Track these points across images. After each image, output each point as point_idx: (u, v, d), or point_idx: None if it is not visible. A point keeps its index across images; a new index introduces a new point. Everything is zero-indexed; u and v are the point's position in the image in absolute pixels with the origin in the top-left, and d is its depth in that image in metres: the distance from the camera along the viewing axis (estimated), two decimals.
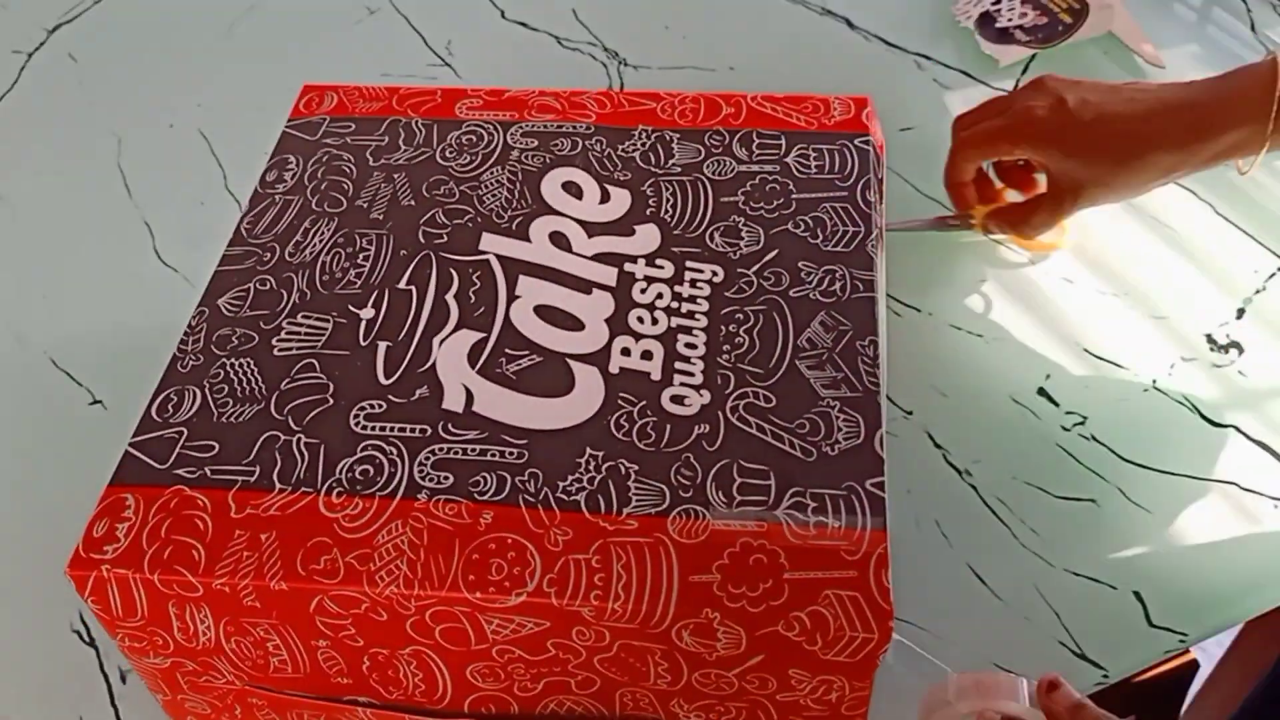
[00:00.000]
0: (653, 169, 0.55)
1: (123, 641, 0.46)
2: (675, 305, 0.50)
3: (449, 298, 0.50)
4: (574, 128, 0.58)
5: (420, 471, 0.45)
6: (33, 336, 0.69)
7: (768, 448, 0.45)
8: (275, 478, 0.45)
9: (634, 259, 0.52)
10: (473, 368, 0.48)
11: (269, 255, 0.53)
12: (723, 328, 0.49)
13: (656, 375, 0.48)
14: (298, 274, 0.52)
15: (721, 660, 0.42)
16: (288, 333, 0.50)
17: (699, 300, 0.50)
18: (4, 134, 0.82)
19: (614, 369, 0.48)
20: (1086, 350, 0.64)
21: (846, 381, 0.47)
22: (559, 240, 0.53)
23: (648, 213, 0.54)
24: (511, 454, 0.45)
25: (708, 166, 0.55)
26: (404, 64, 0.83)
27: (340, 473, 0.45)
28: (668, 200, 0.54)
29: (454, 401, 0.47)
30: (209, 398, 0.48)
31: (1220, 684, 0.92)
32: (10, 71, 0.86)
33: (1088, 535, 0.57)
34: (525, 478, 0.44)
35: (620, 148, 0.56)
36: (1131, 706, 0.68)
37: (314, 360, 0.49)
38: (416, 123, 0.58)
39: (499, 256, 0.52)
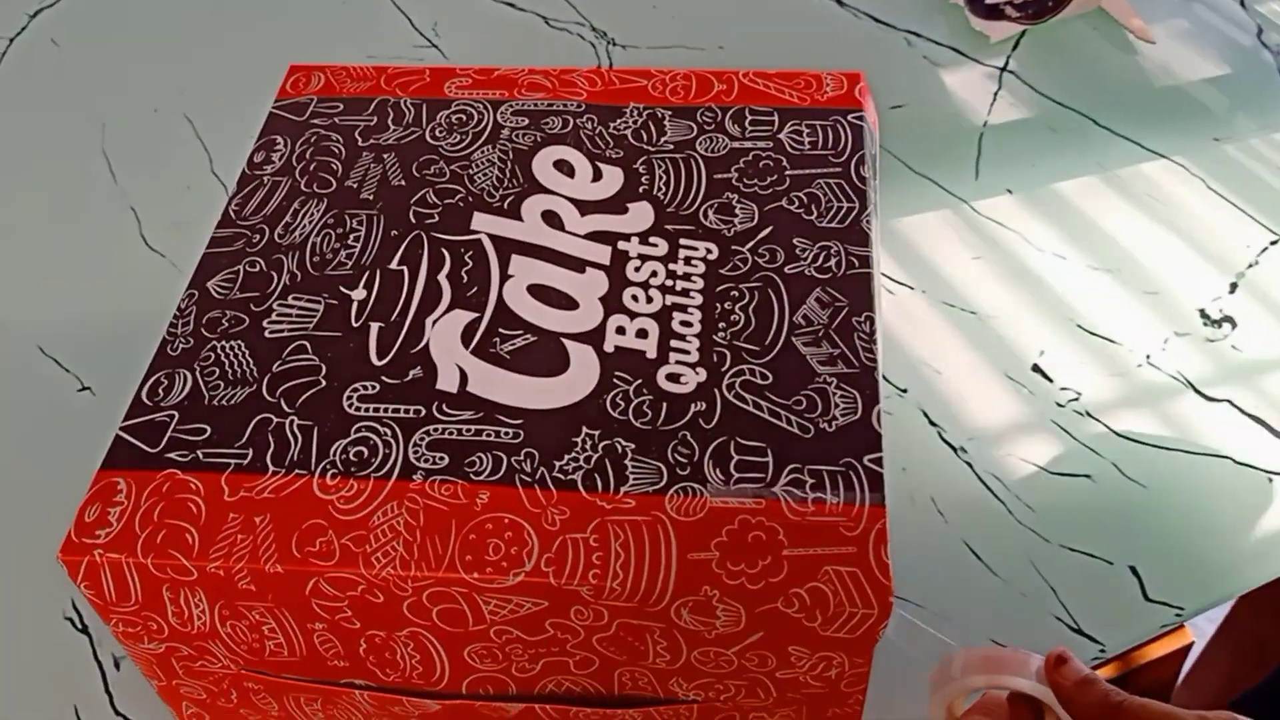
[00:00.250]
0: (645, 146, 0.55)
1: (116, 627, 0.45)
2: (669, 283, 0.50)
3: (441, 278, 0.50)
4: (565, 106, 0.57)
5: (415, 452, 0.44)
6: (19, 324, 0.68)
7: (765, 425, 0.45)
8: (268, 460, 0.44)
9: (627, 237, 0.51)
10: (466, 348, 0.48)
11: (258, 237, 0.52)
12: (718, 305, 0.49)
13: (652, 353, 0.47)
14: (288, 255, 0.51)
15: (721, 638, 0.42)
16: (278, 314, 0.49)
17: (693, 278, 0.50)
18: None
19: (609, 348, 0.48)
20: (1080, 326, 0.64)
21: (843, 358, 0.47)
22: (551, 219, 0.52)
23: (640, 190, 0.53)
24: (507, 434, 0.45)
25: (700, 143, 0.55)
26: (390, 45, 0.82)
27: (334, 454, 0.44)
28: (660, 178, 0.54)
29: (448, 382, 0.47)
30: (200, 381, 0.47)
31: (1211, 660, 0.92)
32: None
33: (1083, 511, 0.57)
34: (521, 457, 0.44)
35: (612, 125, 0.56)
36: (1123, 683, 0.68)
37: (305, 342, 0.48)
38: (405, 102, 0.58)
39: (491, 236, 0.52)
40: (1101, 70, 0.79)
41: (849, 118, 0.55)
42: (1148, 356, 0.62)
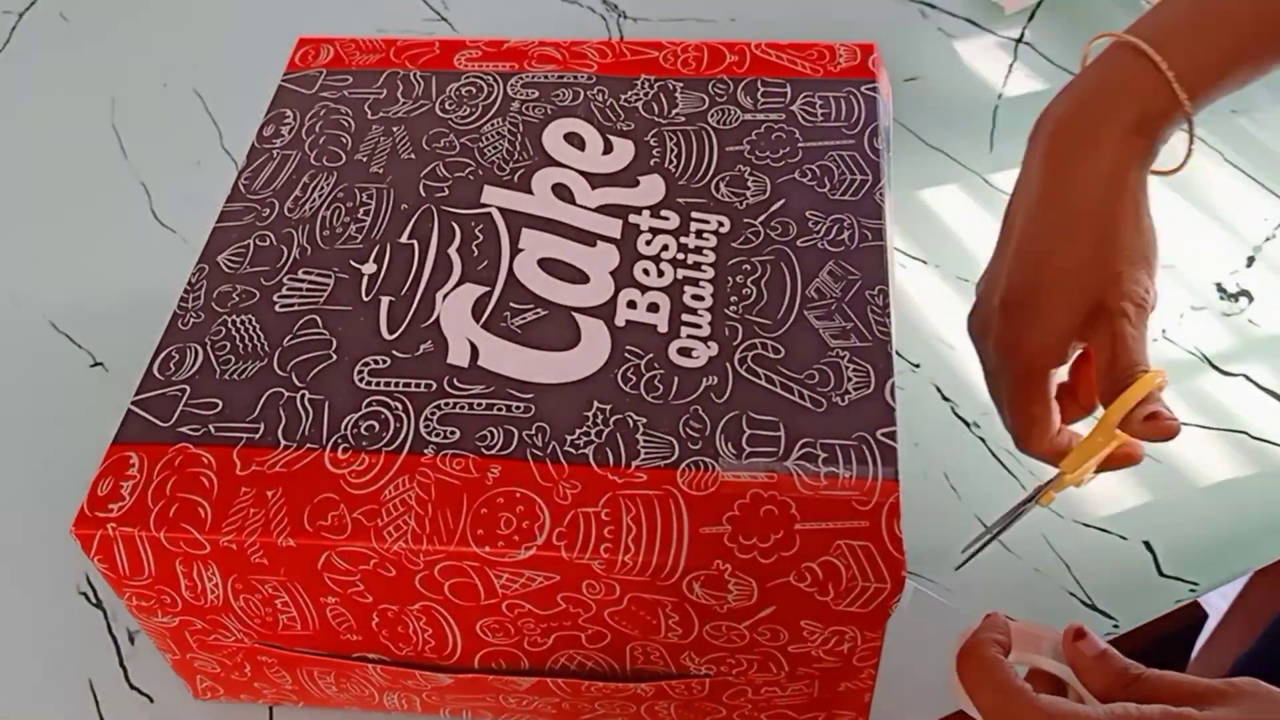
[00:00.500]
0: (656, 119, 0.54)
1: (130, 601, 0.45)
2: (681, 257, 0.49)
3: (451, 252, 0.50)
4: (575, 78, 0.57)
5: (426, 426, 0.44)
6: (31, 300, 0.68)
7: (777, 399, 0.45)
8: (280, 434, 0.44)
9: (638, 210, 0.51)
10: (477, 322, 0.47)
11: (268, 211, 0.52)
12: (730, 279, 0.48)
13: (663, 327, 0.47)
14: (298, 229, 0.51)
15: (733, 612, 0.42)
16: (289, 289, 0.49)
17: (705, 251, 0.49)
18: None
19: (620, 322, 0.47)
20: None
21: (856, 331, 0.46)
22: (562, 192, 0.52)
23: (651, 163, 0.53)
24: (518, 408, 0.45)
25: (712, 115, 0.54)
26: (400, 19, 0.82)
27: (345, 429, 0.44)
28: (672, 150, 0.53)
29: (459, 356, 0.46)
30: (211, 355, 0.47)
31: (1226, 635, 0.92)
32: (1, 32, 0.84)
33: (1097, 486, 0.56)
34: (532, 431, 0.44)
35: (623, 98, 0.55)
36: (1137, 658, 0.68)
37: (316, 316, 0.48)
38: (415, 75, 0.57)
39: (501, 209, 0.51)
40: None
41: (862, 89, 0.55)
42: (1163, 331, 0.62)
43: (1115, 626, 0.53)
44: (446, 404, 0.45)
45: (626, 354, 0.46)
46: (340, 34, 0.61)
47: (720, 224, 0.50)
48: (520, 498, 0.42)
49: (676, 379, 0.45)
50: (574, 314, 0.48)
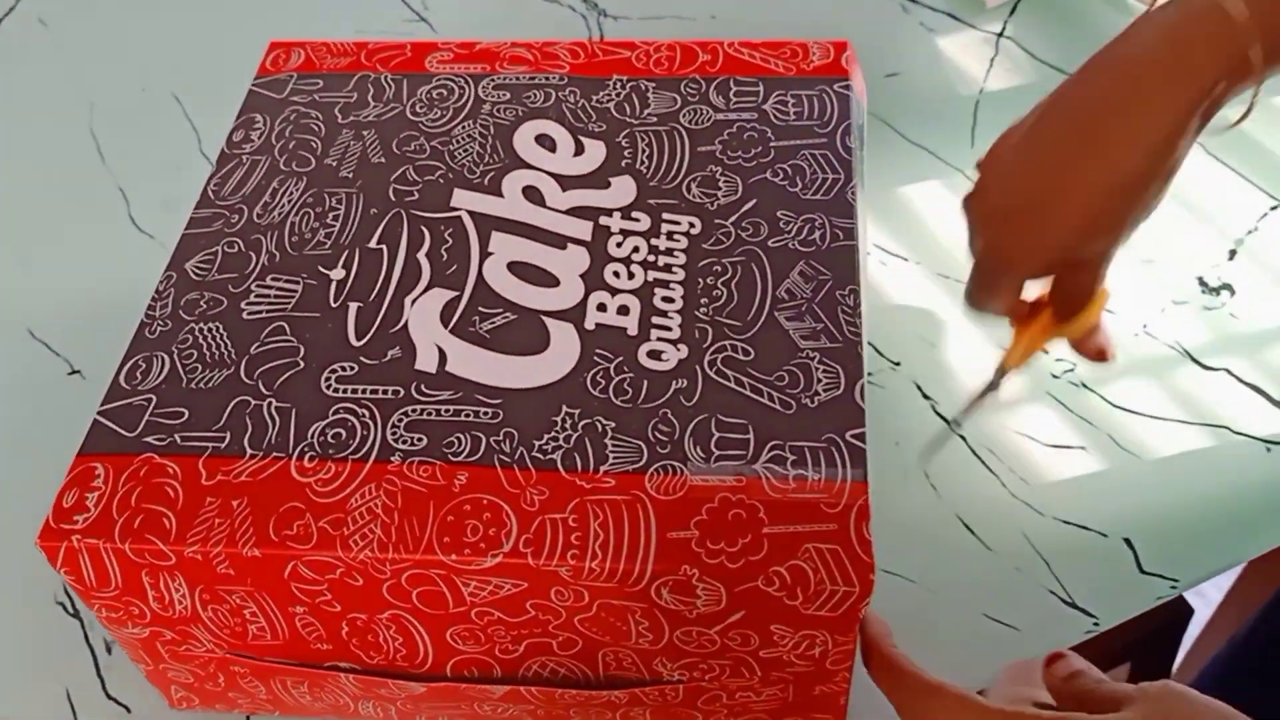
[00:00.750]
0: (628, 119, 0.54)
1: (100, 612, 0.45)
2: (652, 259, 0.49)
3: (421, 256, 0.49)
4: (547, 79, 0.56)
5: (393, 434, 0.44)
6: (8, 307, 0.68)
7: (746, 401, 0.44)
8: (246, 443, 0.44)
9: (609, 212, 0.51)
10: (445, 327, 0.47)
11: (237, 217, 0.52)
12: (700, 280, 0.48)
13: (633, 330, 0.47)
14: (266, 235, 0.51)
15: (702, 618, 0.42)
16: (257, 295, 0.49)
17: (676, 253, 0.49)
18: None
19: (590, 325, 0.47)
20: None
21: (826, 332, 0.46)
22: (532, 195, 0.52)
23: (623, 164, 0.52)
24: (486, 414, 0.44)
25: (684, 115, 0.54)
26: (379, 20, 0.82)
27: (312, 437, 0.44)
28: (643, 151, 0.53)
29: (427, 362, 0.46)
30: (178, 364, 0.47)
31: (1219, 628, 0.92)
32: None
33: (1078, 483, 0.56)
34: (500, 437, 0.44)
35: (594, 98, 0.55)
36: (1126, 655, 0.68)
37: (284, 323, 0.48)
38: (386, 78, 0.57)
39: (471, 213, 0.51)
40: (1100, 35, 0.76)
41: (835, 87, 0.54)
42: (1144, 325, 0.61)
43: (1096, 624, 0.52)
44: (414, 410, 0.45)
45: (596, 357, 0.46)
46: (320, 36, 0.60)
47: (691, 225, 0.50)
48: (487, 505, 0.42)
49: (646, 382, 0.45)
50: (543, 318, 0.47)
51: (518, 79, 0.56)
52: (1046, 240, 0.46)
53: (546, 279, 0.49)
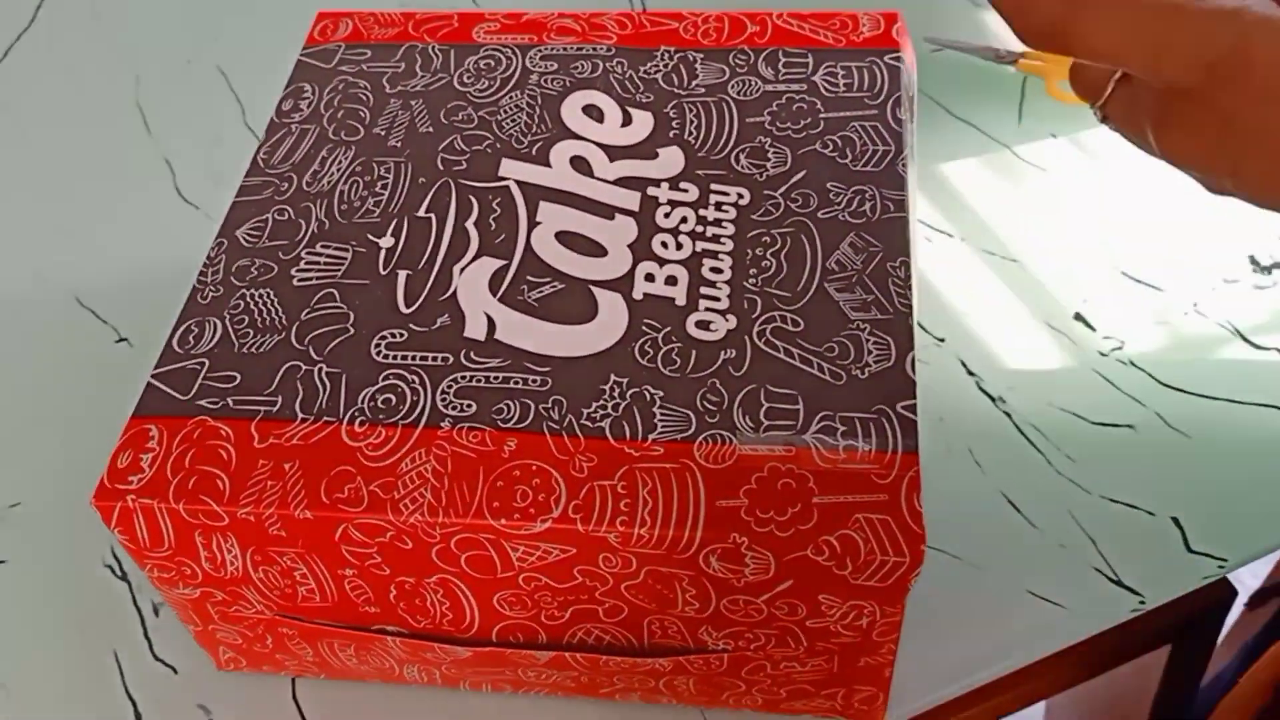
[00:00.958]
0: (676, 90, 0.54)
1: (151, 572, 0.46)
2: (700, 229, 0.49)
3: (469, 225, 0.50)
4: (594, 50, 0.56)
5: (443, 400, 0.44)
6: (56, 276, 0.69)
7: (796, 372, 0.44)
8: (297, 407, 0.44)
9: (657, 183, 0.51)
10: (494, 295, 0.47)
11: (286, 185, 0.52)
12: (749, 251, 0.48)
13: (681, 300, 0.47)
14: (316, 203, 0.51)
15: (750, 586, 0.42)
16: (307, 263, 0.49)
17: (724, 224, 0.49)
18: (21, 74, 0.81)
19: (638, 295, 0.47)
20: (1125, 274, 0.63)
21: (877, 303, 0.46)
22: (580, 165, 0.51)
23: (671, 135, 0.52)
24: (535, 381, 0.45)
25: (732, 87, 0.54)
26: None
27: (362, 402, 0.44)
28: (691, 122, 0.53)
29: (476, 329, 0.46)
30: (229, 329, 0.47)
31: (1256, 612, 0.91)
32: (26, 11, 0.85)
33: (1125, 461, 0.56)
34: (549, 405, 0.44)
35: (642, 69, 0.55)
36: (1168, 637, 0.67)
37: (334, 290, 0.48)
38: (433, 48, 0.57)
39: (519, 182, 0.51)
40: None
41: (886, 59, 0.54)
42: (1195, 304, 0.61)
43: (1141, 603, 0.52)
44: (463, 377, 0.45)
45: (644, 327, 0.46)
46: (362, 8, 0.61)
47: (740, 196, 0.50)
48: (536, 470, 0.42)
49: (694, 352, 0.45)
50: (591, 287, 0.47)
51: (565, 49, 0.56)
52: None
53: (594, 249, 0.49)
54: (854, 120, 0.52)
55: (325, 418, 0.44)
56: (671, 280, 0.47)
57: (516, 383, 0.45)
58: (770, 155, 0.51)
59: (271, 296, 0.48)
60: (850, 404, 0.43)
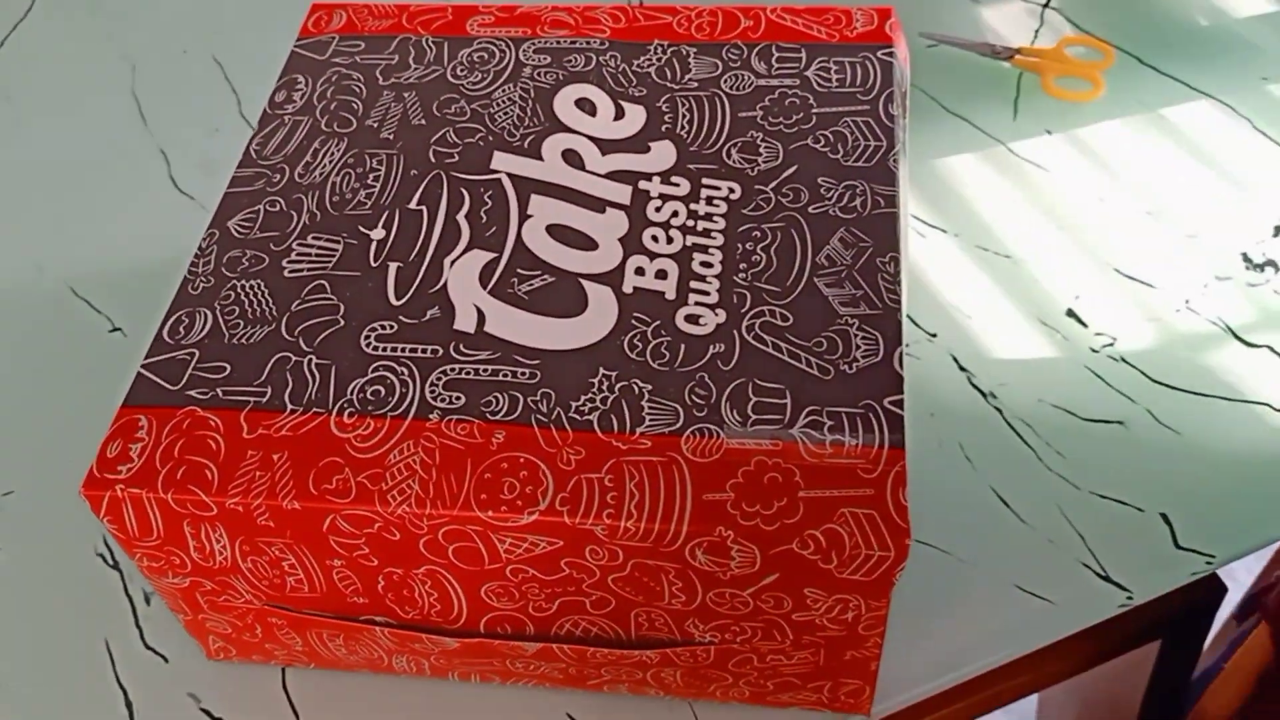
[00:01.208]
0: (668, 84, 0.54)
1: (141, 561, 0.46)
2: (691, 223, 0.49)
3: (460, 218, 0.50)
4: (587, 43, 0.56)
5: (432, 392, 0.44)
6: (52, 265, 0.69)
7: (784, 366, 0.44)
8: (287, 398, 0.45)
9: (649, 176, 0.51)
10: (484, 288, 0.47)
11: (278, 176, 0.52)
12: (739, 246, 0.48)
13: (671, 294, 0.47)
14: (308, 195, 0.51)
15: (736, 579, 0.42)
16: (298, 254, 0.49)
17: (715, 218, 0.49)
18: (19, 63, 0.81)
19: (628, 288, 0.47)
20: (1117, 270, 0.63)
21: (866, 299, 0.46)
22: (572, 158, 0.52)
23: (663, 129, 0.52)
24: (523, 374, 0.45)
25: (725, 81, 0.54)
26: None
27: (351, 393, 0.45)
28: (684, 116, 0.53)
29: (465, 322, 0.46)
30: (220, 319, 0.47)
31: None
32: (22, 1, 0.85)
33: (1115, 458, 0.56)
34: (537, 397, 0.44)
35: (635, 63, 0.55)
36: (1158, 631, 0.68)
37: (324, 281, 0.48)
38: (427, 40, 0.57)
39: (511, 175, 0.51)
40: (1147, 6, 0.76)
41: (879, 54, 0.54)
42: (1186, 301, 0.61)
43: (1130, 599, 0.52)
44: (452, 370, 0.45)
45: (633, 321, 0.46)
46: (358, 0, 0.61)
47: (731, 190, 0.50)
48: (524, 463, 0.42)
49: (683, 346, 0.45)
50: (581, 280, 0.47)
51: (558, 43, 0.56)
52: None
53: (585, 242, 0.49)
54: (846, 115, 0.52)
55: (314, 409, 0.44)
56: (661, 274, 0.47)
57: (505, 375, 0.45)
58: (762, 150, 0.51)
59: (262, 287, 0.48)
60: (838, 399, 0.43)
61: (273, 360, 0.46)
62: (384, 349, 0.46)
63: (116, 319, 0.66)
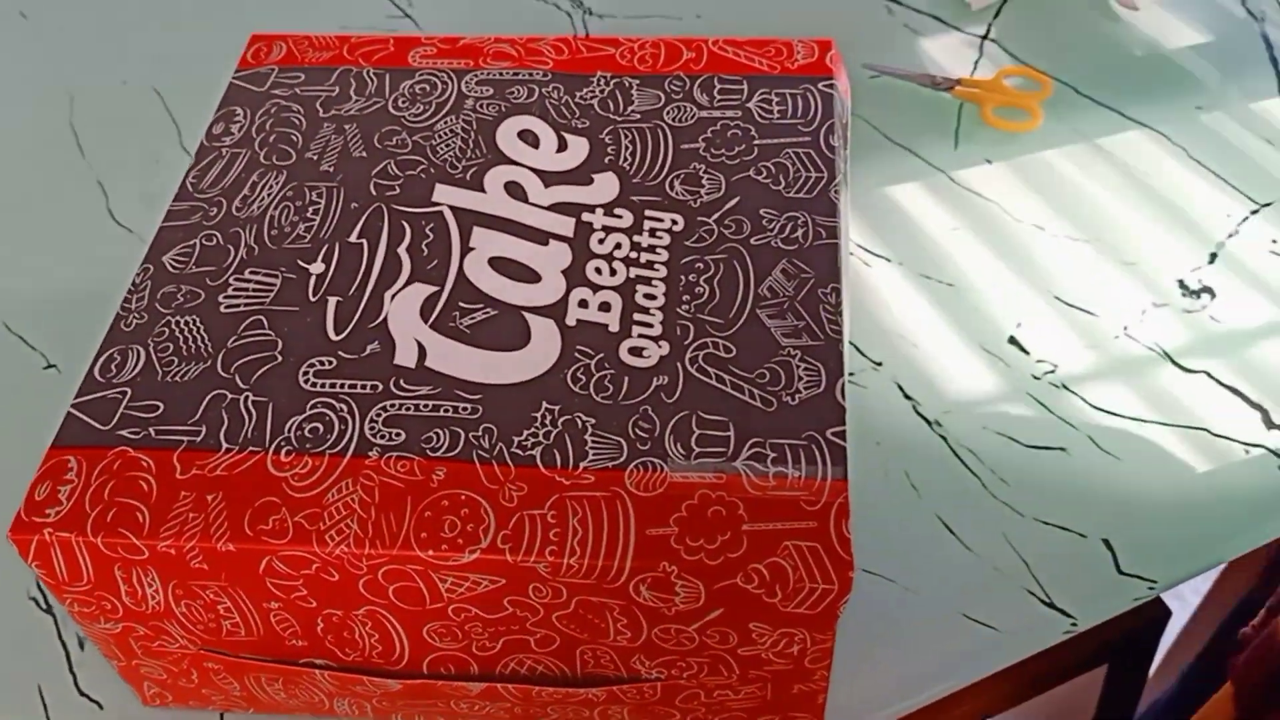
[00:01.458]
0: (611, 116, 0.54)
1: (72, 607, 0.45)
2: (634, 255, 0.49)
3: (401, 251, 0.49)
4: (530, 75, 0.56)
5: (371, 429, 0.44)
6: None
7: (727, 398, 0.44)
8: (222, 437, 0.44)
9: (592, 208, 0.51)
10: (425, 322, 0.47)
11: (215, 210, 0.51)
12: (682, 277, 0.48)
13: (615, 327, 0.46)
14: (245, 229, 0.50)
15: (680, 615, 0.42)
16: (235, 289, 0.48)
17: (658, 250, 0.49)
18: None
19: (571, 321, 0.47)
20: (1057, 298, 0.63)
21: (808, 330, 0.46)
22: (515, 190, 0.51)
23: (606, 161, 0.52)
24: (465, 409, 0.44)
25: (668, 113, 0.54)
26: (363, 15, 0.81)
27: (289, 431, 0.44)
28: (627, 148, 0.53)
29: (406, 357, 0.46)
30: (154, 357, 0.46)
31: (1196, 633, 0.92)
32: None
33: (1058, 484, 0.56)
34: (479, 433, 0.43)
35: (578, 95, 0.55)
36: (1104, 657, 0.68)
37: (262, 317, 0.47)
38: (368, 72, 0.57)
39: (453, 208, 0.51)
40: (1084, 38, 0.77)
41: (819, 86, 0.54)
42: (1125, 328, 0.62)
43: (1074, 625, 0.52)
44: (392, 405, 0.44)
45: (577, 354, 0.46)
46: (304, 30, 0.60)
47: (674, 222, 0.50)
48: (465, 500, 0.42)
49: (627, 379, 0.45)
50: (524, 313, 0.47)
51: (501, 74, 0.56)
52: None
53: (528, 275, 0.48)
54: (787, 147, 0.52)
55: (250, 447, 0.43)
56: (605, 306, 0.47)
57: (446, 411, 0.44)
58: (704, 181, 0.51)
59: (198, 323, 0.47)
60: (781, 430, 0.43)
61: (208, 398, 0.45)
62: (323, 385, 0.45)
63: (52, 355, 0.65)
